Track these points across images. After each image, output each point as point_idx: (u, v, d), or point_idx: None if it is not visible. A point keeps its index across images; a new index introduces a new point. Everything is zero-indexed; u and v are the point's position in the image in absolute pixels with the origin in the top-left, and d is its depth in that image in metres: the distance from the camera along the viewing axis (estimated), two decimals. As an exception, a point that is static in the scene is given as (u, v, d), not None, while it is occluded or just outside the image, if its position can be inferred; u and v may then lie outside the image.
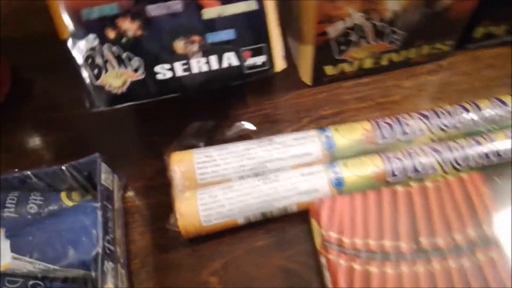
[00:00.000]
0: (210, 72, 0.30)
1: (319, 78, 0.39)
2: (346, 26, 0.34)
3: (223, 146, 0.34)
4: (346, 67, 0.38)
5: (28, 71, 0.44)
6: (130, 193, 0.37)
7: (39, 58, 0.44)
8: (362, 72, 0.39)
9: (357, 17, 0.33)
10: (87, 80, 0.29)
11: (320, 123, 0.38)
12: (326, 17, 0.33)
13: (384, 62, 0.39)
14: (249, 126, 0.35)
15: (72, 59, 0.29)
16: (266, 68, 0.31)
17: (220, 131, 0.37)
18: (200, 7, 0.29)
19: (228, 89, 0.41)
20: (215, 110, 0.39)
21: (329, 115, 0.39)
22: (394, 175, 0.32)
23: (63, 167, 0.31)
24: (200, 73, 0.30)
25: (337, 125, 0.35)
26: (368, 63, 0.38)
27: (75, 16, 0.28)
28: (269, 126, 0.38)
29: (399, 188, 0.31)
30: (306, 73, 0.39)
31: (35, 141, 0.40)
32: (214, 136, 0.37)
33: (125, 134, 0.39)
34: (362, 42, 0.36)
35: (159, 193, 0.36)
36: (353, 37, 0.35)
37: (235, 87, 0.41)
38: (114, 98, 0.30)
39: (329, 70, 0.38)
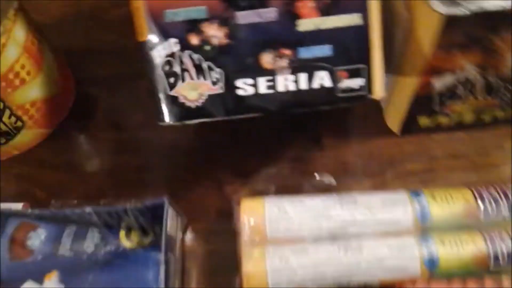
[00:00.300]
0: (298, 92, 0.27)
1: (409, 127, 0.35)
2: (455, 80, 0.30)
3: (298, 199, 0.31)
4: (443, 120, 0.34)
5: (92, 85, 0.41)
6: (189, 235, 0.34)
7: (105, 71, 0.42)
8: (458, 126, 0.35)
9: (471, 71, 0.29)
10: (160, 90, 0.27)
11: (407, 180, 0.34)
12: (436, 69, 0.29)
13: (486, 118, 0.34)
14: (328, 180, 0.32)
15: (147, 63, 0.26)
16: (363, 93, 0.27)
17: (295, 177, 0.34)
18: (296, 17, 0.25)
19: (302, 125, 0.38)
20: (287, 148, 0.36)
21: (418, 171, 0.35)
22: (496, 259, 0.28)
23: (127, 208, 0.29)
24: (286, 93, 0.27)
25: (432, 189, 0.30)
26: (468, 118, 0.34)
27: (158, 17, 0.25)
28: (348, 177, 0.35)
29: (505, 281, 0.27)
30: (394, 120, 0.35)
31: (94, 163, 0.37)
32: (287, 182, 0.34)
33: (190, 165, 0.37)
34: (469, 96, 0.31)
35: (222, 240, 0.32)
36: (460, 91, 0.31)
37: (310, 124, 0.39)
38: (187, 112, 0.27)
39: (423, 121, 0.34)
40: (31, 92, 0.35)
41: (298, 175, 0.34)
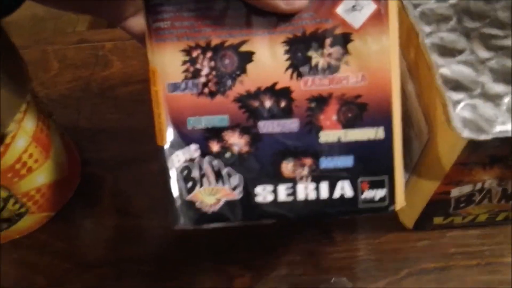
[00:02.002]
0: (318, 201, 0.26)
1: (423, 225, 0.34)
2: (473, 189, 0.29)
3: None
4: (457, 219, 0.34)
5: (98, 166, 0.40)
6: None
7: (111, 152, 0.41)
8: (471, 224, 0.35)
9: (489, 183, 0.29)
10: (176, 194, 0.26)
11: (421, 279, 0.33)
12: (455, 181, 0.28)
13: (500, 218, 0.34)
14: (344, 284, 0.31)
15: (164, 167, 0.26)
16: (385, 204, 0.26)
17: (308, 276, 0.33)
18: (319, 129, 0.25)
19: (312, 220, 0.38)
20: (298, 241, 0.35)
21: (432, 270, 0.34)
22: None
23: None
24: (306, 201, 0.26)
25: None
26: (482, 218, 0.33)
27: (180, 124, 0.25)
28: (361, 275, 0.34)
29: None
30: (408, 217, 0.34)
31: (96, 252, 0.36)
32: (301, 283, 0.33)
33: (196, 258, 0.35)
34: (485, 202, 0.31)
35: None
36: (477, 198, 0.30)
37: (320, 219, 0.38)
38: (202, 217, 0.26)
39: (438, 220, 0.34)
40: (38, 179, 0.34)
41: (311, 274, 0.33)
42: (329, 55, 0.24)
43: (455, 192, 0.29)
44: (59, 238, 0.37)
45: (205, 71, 0.25)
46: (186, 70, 0.25)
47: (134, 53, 0.48)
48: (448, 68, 0.27)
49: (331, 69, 0.25)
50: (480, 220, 0.34)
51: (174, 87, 0.25)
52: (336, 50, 0.24)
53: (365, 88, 0.25)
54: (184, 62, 0.25)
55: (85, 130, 0.43)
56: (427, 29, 0.28)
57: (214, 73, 0.25)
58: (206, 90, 0.25)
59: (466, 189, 0.29)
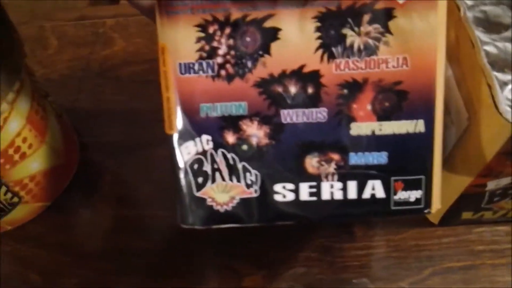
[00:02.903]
0: (345, 202, 0.23)
1: (450, 220, 0.31)
2: (511, 182, 0.27)
3: None
4: (487, 214, 0.31)
5: (98, 151, 0.37)
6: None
7: (113, 137, 0.38)
8: (502, 220, 0.32)
9: (531, 175, 0.26)
10: (185, 189, 0.23)
11: (447, 278, 0.31)
12: (494, 172, 0.26)
13: (533, 213, 0.31)
14: (366, 283, 0.28)
15: (173, 159, 0.23)
16: (420, 206, 0.23)
17: (325, 276, 0.31)
18: (350, 120, 0.22)
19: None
20: (314, 236, 0.32)
21: (458, 268, 0.31)
22: None
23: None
24: (331, 201, 0.23)
25: None
26: (514, 213, 0.31)
27: (192, 110, 0.22)
28: (382, 274, 0.31)
29: None
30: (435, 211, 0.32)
31: (95, 244, 0.33)
32: (318, 283, 0.30)
33: (203, 253, 0.33)
34: (522, 195, 0.29)
35: None
36: (513, 191, 0.28)
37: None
38: (213, 216, 0.24)
39: (467, 215, 0.31)
40: (32, 165, 0.31)
41: (328, 272, 0.30)
42: (367, 33, 0.21)
43: (491, 184, 0.27)
44: (55, 230, 0.34)
45: (222, 50, 0.22)
46: (201, 49, 0.22)
47: (138, 30, 0.45)
48: (494, 45, 0.24)
49: (369, 50, 0.21)
50: (511, 215, 0.31)
51: (187, 68, 0.22)
52: (376, 28, 0.21)
53: (406, 74, 0.22)
54: (199, 39, 0.22)
55: (85, 112, 0.40)
56: (469, 2, 0.25)
57: (232, 52, 0.22)
58: (223, 72, 0.22)
59: (504, 181, 0.26)
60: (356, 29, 0.21)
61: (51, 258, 0.33)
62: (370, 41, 0.21)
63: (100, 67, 0.43)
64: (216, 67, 0.22)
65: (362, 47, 0.21)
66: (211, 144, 0.23)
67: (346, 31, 0.21)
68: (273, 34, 0.22)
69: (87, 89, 0.41)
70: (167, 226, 0.34)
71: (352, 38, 0.21)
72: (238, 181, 0.23)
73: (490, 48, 0.24)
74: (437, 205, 0.23)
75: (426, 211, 0.23)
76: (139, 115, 0.39)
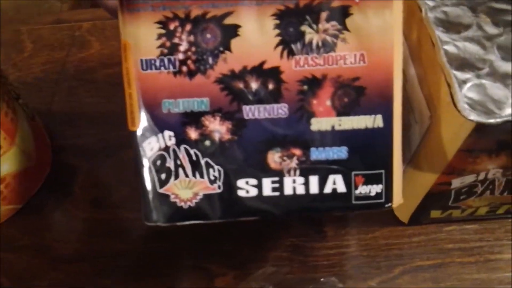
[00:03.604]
0: (306, 196, 0.23)
1: (419, 219, 0.32)
2: (475, 179, 0.27)
3: None
4: (456, 213, 0.31)
5: (72, 154, 0.37)
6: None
7: (87, 139, 0.38)
8: (470, 218, 0.33)
9: (493, 173, 0.27)
10: (148, 186, 0.23)
11: (416, 276, 0.31)
12: (457, 170, 0.26)
13: (501, 211, 0.31)
14: (335, 283, 0.29)
15: (136, 156, 0.23)
16: (381, 201, 0.24)
17: (295, 275, 0.31)
18: (311, 115, 0.23)
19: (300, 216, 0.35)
20: (285, 235, 0.32)
21: (428, 267, 0.31)
22: None
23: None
24: (294, 196, 0.23)
25: None
26: (482, 211, 0.31)
27: (154, 106, 0.22)
28: (353, 273, 0.31)
29: None
30: (403, 211, 0.32)
31: (68, 247, 0.33)
32: (287, 282, 0.30)
33: (176, 253, 0.32)
34: (486, 194, 0.29)
35: None
36: (479, 189, 0.28)
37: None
38: (177, 213, 0.24)
39: (435, 214, 0.31)
40: (1, 168, 0.31)
41: (299, 272, 0.31)
42: (325, 30, 0.22)
43: (456, 182, 0.27)
44: (27, 233, 0.34)
45: (183, 46, 0.22)
46: (162, 45, 0.22)
47: (114, 33, 0.45)
48: (454, 45, 0.24)
49: (327, 47, 0.22)
50: (480, 213, 0.31)
51: (148, 64, 0.22)
52: (333, 25, 0.22)
53: (364, 70, 0.22)
54: (160, 36, 0.22)
55: (59, 115, 0.40)
56: (431, 3, 0.25)
57: (193, 49, 0.22)
58: (184, 68, 0.22)
59: (469, 179, 0.27)
60: (314, 26, 0.22)
61: (22, 261, 0.33)
62: (328, 38, 0.22)
63: (76, 69, 0.43)
64: (177, 63, 0.22)
65: (320, 44, 0.22)
66: (173, 140, 0.23)
67: (305, 28, 0.22)
68: (233, 30, 0.22)
69: (62, 91, 0.41)
70: (140, 228, 0.33)
71: (311, 35, 0.22)
72: (202, 177, 0.23)
73: (450, 48, 0.24)
74: (398, 200, 0.23)
75: (387, 205, 0.23)
76: (114, 117, 0.39)
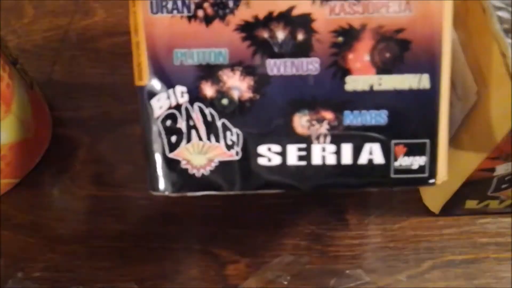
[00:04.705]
0: (338, 167, 0.21)
1: (451, 209, 0.29)
2: (524, 166, 0.24)
3: None
4: (493, 204, 0.28)
5: (73, 126, 0.34)
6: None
7: (90, 112, 0.35)
8: (507, 210, 0.30)
9: (546, 158, 0.24)
10: (156, 150, 0.20)
11: (448, 272, 0.28)
12: (506, 154, 0.23)
13: (543, 203, 0.29)
14: (360, 274, 0.26)
15: (143, 114, 0.20)
16: (424, 175, 0.21)
17: (315, 265, 0.28)
18: (345, 72, 0.20)
19: (320, 195, 0.32)
20: (303, 222, 0.30)
21: (460, 262, 0.29)
22: None
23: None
24: (323, 166, 0.21)
25: None
26: (522, 203, 0.29)
27: (164, 57, 0.20)
28: (377, 266, 0.29)
29: None
30: (435, 200, 0.29)
31: (67, 226, 0.30)
32: (306, 272, 0.28)
33: (181, 237, 0.30)
34: (532, 182, 0.26)
35: None
36: (525, 177, 0.25)
37: (331, 194, 0.33)
38: (189, 181, 0.21)
39: (471, 204, 0.29)
40: (-5, 137, 0.29)
41: (319, 262, 0.28)
42: None
43: (500, 169, 0.24)
44: (23, 210, 0.31)
45: None
46: None
47: (120, 0, 0.42)
48: (507, 11, 0.21)
49: None
50: (520, 206, 0.29)
51: (159, 6, 0.19)
52: None
53: (409, 20, 0.19)
54: None
55: (61, 85, 0.37)
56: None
57: None
58: (200, 12, 0.19)
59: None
60: None
61: (18, 240, 0.30)
62: None
63: (79, 38, 0.40)
64: (192, 6, 0.19)
65: None
66: (186, 97, 0.20)
67: None
68: None
69: (63, 61, 0.38)
70: (144, 209, 0.31)
71: None
72: (217, 141, 0.20)
73: (504, 14, 0.21)
74: (443, 176, 0.21)
75: (431, 181, 0.21)
76: (118, 90, 0.36)
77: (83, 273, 0.29)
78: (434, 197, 0.30)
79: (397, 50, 0.19)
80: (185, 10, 0.19)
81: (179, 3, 0.19)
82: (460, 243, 0.29)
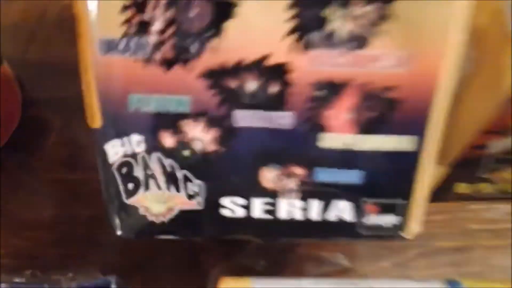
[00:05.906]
0: (305, 223, 0.20)
1: (441, 194, 0.27)
2: (518, 143, 0.23)
3: (296, 282, 0.23)
4: (485, 188, 0.27)
5: (44, 107, 0.33)
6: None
7: (62, 92, 0.33)
8: (501, 195, 0.28)
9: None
10: (114, 195, 0.19)
11: (436, 261, 0.27)
12: (501, 127, 0.22)
13: (539, 188, 0.27)
14: (341, 260, 0.24)
15: (98, 158, 0.19)
16: (393, 233, 0.20)
17: (293, 251, 0.27)
18: (320, 128, 0.18)
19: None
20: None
21: (449, 249, 0.27)
22: None
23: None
24: (290, 221, 0.20)
25: (472, 280, 0.23)
26: (516, 187, 0.27)
27: (117, 102, 0.18)
28: (362, 253, 0.27)
29: None
30: (423, 184, 0.28)
31: (34, 212, 0.29)
32: (282, 257, 0.26)
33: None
34: (526, 164, 0.25)
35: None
36: (518, 157, 0.24)
37: None
38: (147, 227, 0.20)
39: (461, 188, 0.27)
40: (-45, 114, 0.27)
41: (297, 248, 0.26)
42: (357, 17, 0.16)
43: (495, 145, 0.22)
44: (-14, 194, 0.30)
45: (157, 25, 0.17)
46: (128, 21, 0.17)
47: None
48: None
49: (357, 41, 0.16)
50: (513, 190, 0.27)
51: (109, 45, 0.17)
52: (372, 11, 0.16)
53: (402, 77, 0.17)
54: (125, 8, 0.17)
55: (35, 65, 0.35)
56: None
57: (172, 29, 0.17)
58: (158, 55, 0.17)
59: (510, 141, 0.22)
60: (342, 10, 0.16)
61: (-20, 225, 0.29)
62: (360, 29, 0.16)
63: (57, 18, 0.39)
64: (149, 48, 0.17)
65: (348, 35, 0.16)
66: (143, 147, 0.18)
67: (329, 12, 0.16)
68: (228, 9, 0.16)
69: (40, 40, 0.37)
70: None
71: (336, 22, 0.16)
72: (178, 191, 0.19)
73: None
74: (414, 231, 0.20)
75: (400, 236, 0.20)
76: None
77: (49, 260, 0.27)
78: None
79: (383, 109, 0.17)
80: (140, 52, 0.17)
81: (132, 44, 0.17)
82: (449, 230, 0.28)
